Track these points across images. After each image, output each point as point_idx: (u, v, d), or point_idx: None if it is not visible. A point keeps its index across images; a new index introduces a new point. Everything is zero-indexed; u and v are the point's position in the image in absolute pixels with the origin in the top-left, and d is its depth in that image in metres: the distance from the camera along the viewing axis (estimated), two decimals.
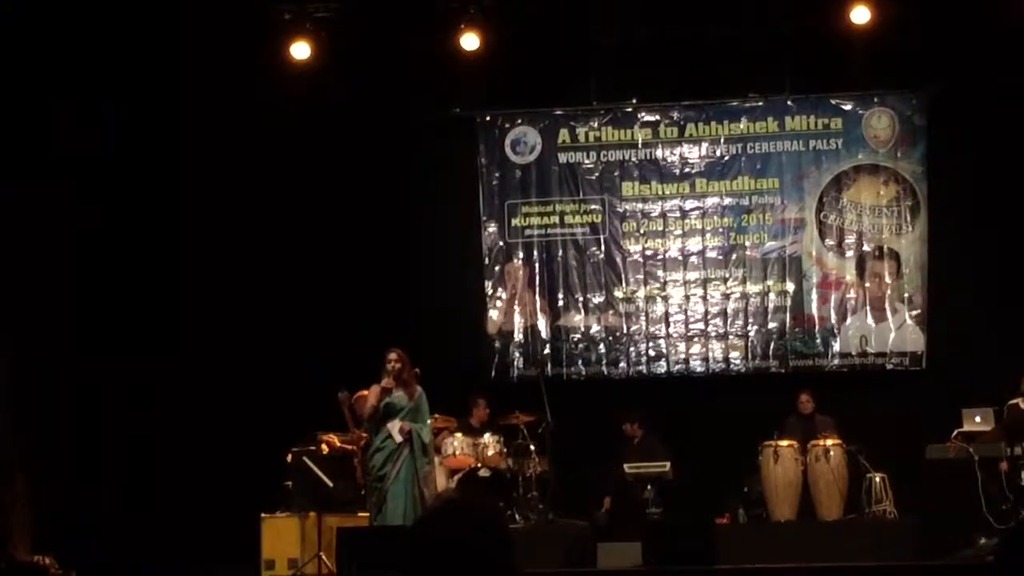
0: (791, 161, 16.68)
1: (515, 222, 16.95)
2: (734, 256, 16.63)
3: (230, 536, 14.10)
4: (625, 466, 15.03)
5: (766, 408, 15.22)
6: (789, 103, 16.69)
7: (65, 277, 15.26)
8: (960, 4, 15.09)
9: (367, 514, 13.98)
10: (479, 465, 14.54)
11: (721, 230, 16.70)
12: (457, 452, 14.67)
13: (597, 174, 16.91)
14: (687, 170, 16.80)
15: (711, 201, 16.76)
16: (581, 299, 16.78)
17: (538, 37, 15.98)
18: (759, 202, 16.68)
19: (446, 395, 14.68)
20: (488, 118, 17.11)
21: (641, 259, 16.75)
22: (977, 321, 15.41)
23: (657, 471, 14.93)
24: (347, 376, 14.51)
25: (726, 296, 16.60)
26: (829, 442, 14.58)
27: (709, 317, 16.60)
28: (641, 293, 16.73)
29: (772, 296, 16.52)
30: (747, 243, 16.63)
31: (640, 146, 16.87)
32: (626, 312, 16.73)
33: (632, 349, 16.70)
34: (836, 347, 16.44)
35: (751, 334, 16.52)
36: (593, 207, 16.88)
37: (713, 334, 16.59)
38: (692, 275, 16.67)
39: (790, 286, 16.50)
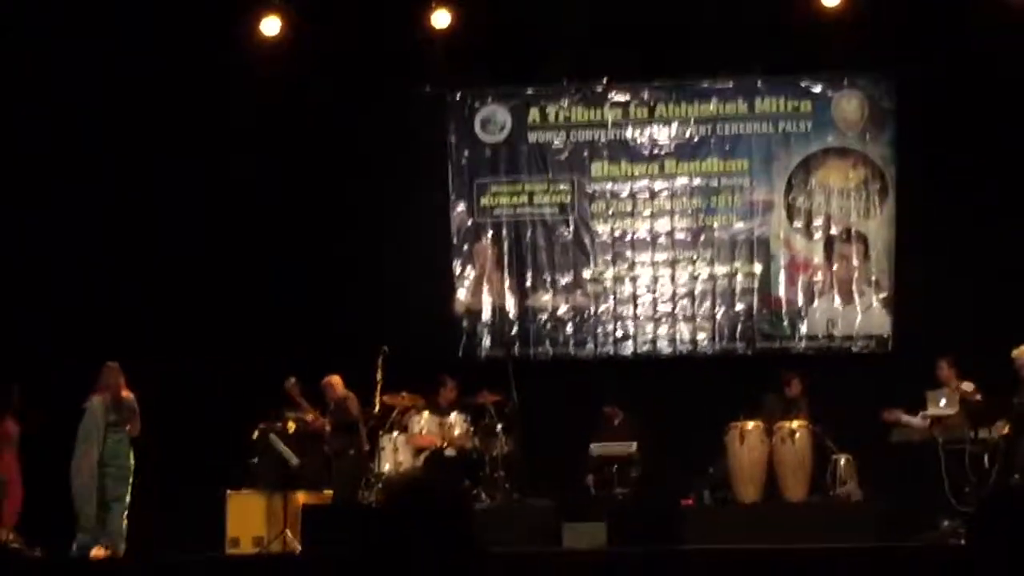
0: (760, 143, 16.70)
1: (484, 201, 16.93)
2: (702, 237, 16.64)
3: (195, 513, 14.08)
4: (592, 446, 15.08)
5: (732, 390, 15.22)
6: (759, 85, 16.71)
7: (28, 265, 15.32)
8: None
9: (332, 491, 14.08)
10: (445, 444, 14.53)
11: (690, 211, 16.72)
12: (423, 431, 14.67)
13: (567, 154, 16.90)
14: (656, 151, 16.80)
15: (680, 182, 16.76)
16: (549, 279, 16.78)
17: (509, 15, 15.92)
18: (728, 183, 16.70)
19: (413, 374, 14.69)
20: (458, 96, 17.07)
21: (610, 240, 16.76)
22: (943, 305, 15.43)
23: (623, 452, 14.97)
24: (314, 355, 14.55)
25: (694, 277, 16.62)
26: (795, 423, 14.61)
27: (677, 298, 16.63)
28: (609, 274, 16.74)
29: (740, 278, 16.54)
30: (715, 224, 16.65)
31: (610, 126, 16.87)
32: (594, 293, 16.74)
33: (600, 330, 16.72)
34: (803, 329, 16.49)
35: (718, 316, 16.56)
36: (562, 187, 16.87)
37: (680, 315, 16.62)
38: (660, 256, 16.68)
39: (758, 268, 16.53)
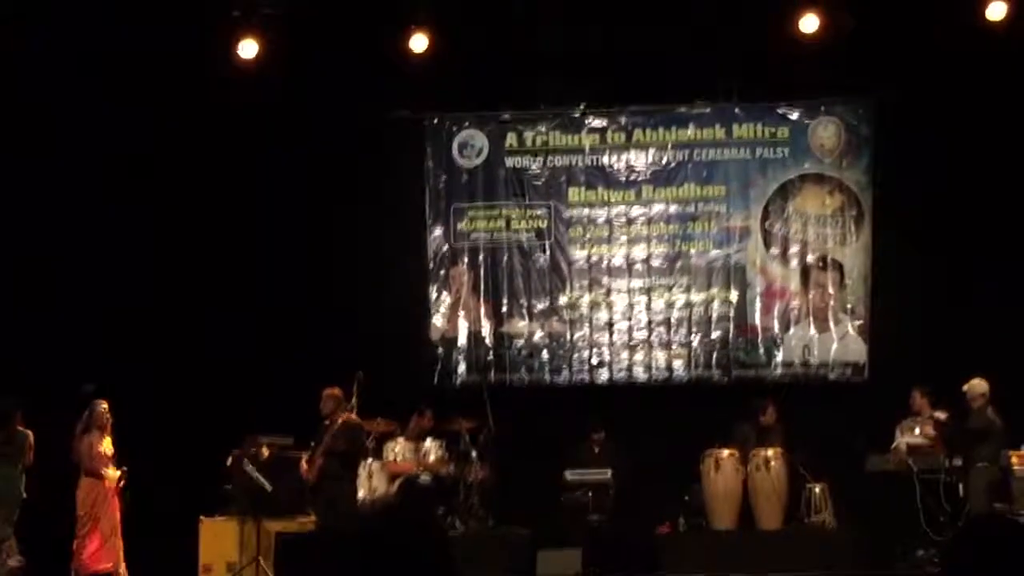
0: (737, 169, 16.70)
1: (461, 226, 16.90)
2: (679, 264, 16.62)
3: (168, 539, 14.00)
4: (566, 473, 15.05)
5: (708, 417, 15.22)
6: (736, 111, 16.71)
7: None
8: (907, 15, 15.12)
9: (307, 518, 13.95)
10: (420, 471, 14.48)
11: (666, 237, 16.70)
12: (398, 457, 14.64)
13: (544, 179, 16.88)
14: (633, 177, 16.79)
15: (657, 208, 16.75)
16: (525, 305, 16.74)
17: (487, 41, 15.91)
18: (705, 210, 16.69)
19: (388, 400, 14.64)
20: (436, 121, 17.05)
21: (586, 266, 16.74)
22: (919, 333, 15.46)
23: (598, 479, 14.94)
24: (290, 380, 14.49)
25: (670, 304, 16.59)
26: (770, 452, 14.61)
27: (653, 325, 16.60)
28: (585, 300, 16.71)
29: (716, 305, 16.52)
30: (692, 251, 16.63)
31: (587, 152, 16.86)
32: (570, 319, 16.71)
33: (575, 356, 16.68)
34: (779, 357, 16.46)
35: (694, 343, 16.53)
36: (539, 212, 16.85)
37: (656, 342, 16.59)
38: (637, 282, 16.65)
39: (734, 295, 16.51)
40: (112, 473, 13.81)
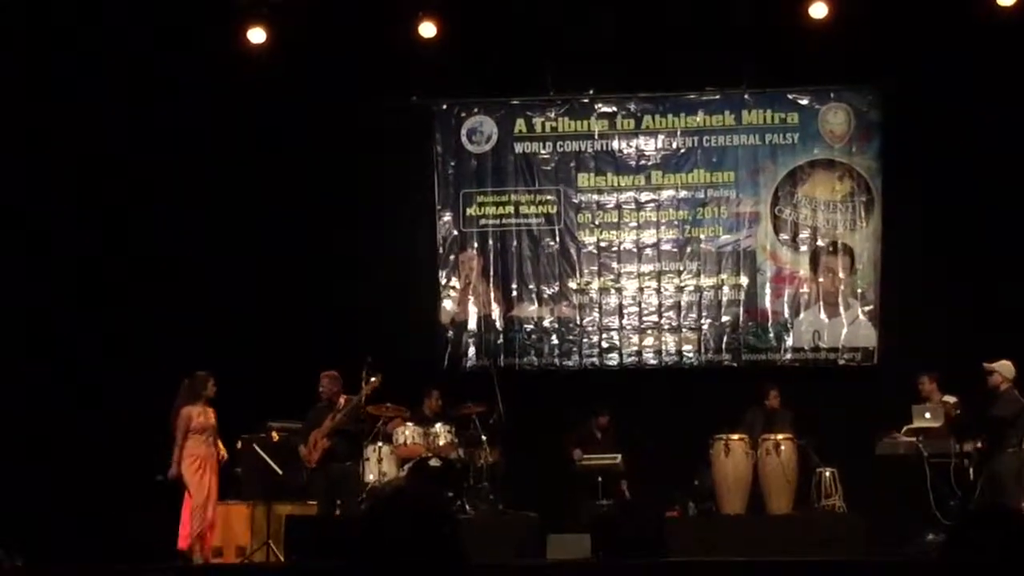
0: (747, 155, 16.69)
1: (470, 211, 16.90)
2: (688, 249, 16.63)
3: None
4: (575, 452, 15.07)
5: (718, 402, 15.22)
6: (746, 97, 16.70)
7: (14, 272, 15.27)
8: (916, 1, 15.12)
9: (316, 502, 13.93)
10: (430, 455, 14.47)
11: (676, 223, 16.71)
12: (408, 441, 14.59)
13: (553, 164, 16.89)
14: (643, 162, 16.79)
15: (666, 193, 16.76)
16: (535, 290, 16.75)
17: (496, 26, 15.91)
18: (714, 195, 16.70)
19: (398, 384, 14.62)
20: (445, 107, 17.06)
21: (595, 250, 16.74)
22: (929, 318, 15.44)
23: (608, 463, 14.95)
24: (299, 364, 14.46)
25: (680, 289, 16.60)
26: (780, 436, 14.57)
27: (663, 310, 16.60)
28: (595, 285, 16.72)
29: (726, 290, 16.53)
30: (702, 236, 16.64)
31: (596, 137, 16.86)
32: (580, 303, 16.72)
33: (585, 341, 16.69)
34: (789, 342, 16.47)
35: (704, 327, 16.53)
36: (548, 198, 16.85)
37: (666, 327, 16.59)
38: (646, 267, 16.66)
39: (744, 280, 16.52)
40: (200, 446, 13.28)
